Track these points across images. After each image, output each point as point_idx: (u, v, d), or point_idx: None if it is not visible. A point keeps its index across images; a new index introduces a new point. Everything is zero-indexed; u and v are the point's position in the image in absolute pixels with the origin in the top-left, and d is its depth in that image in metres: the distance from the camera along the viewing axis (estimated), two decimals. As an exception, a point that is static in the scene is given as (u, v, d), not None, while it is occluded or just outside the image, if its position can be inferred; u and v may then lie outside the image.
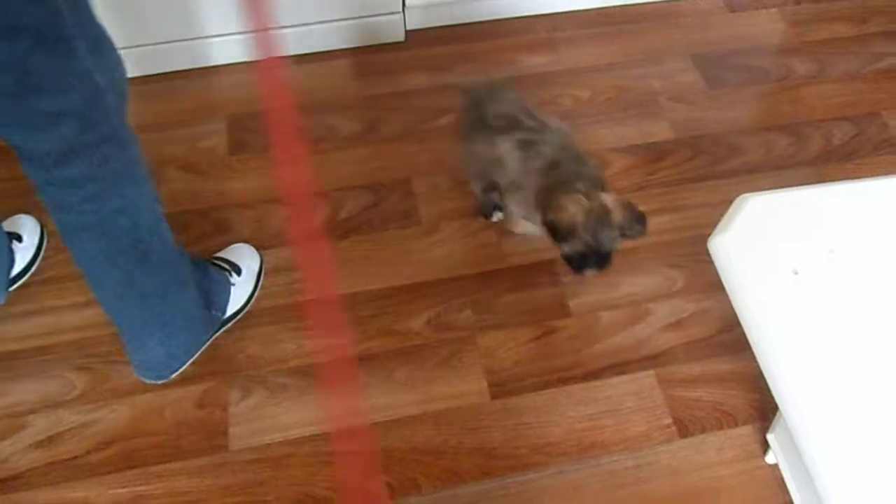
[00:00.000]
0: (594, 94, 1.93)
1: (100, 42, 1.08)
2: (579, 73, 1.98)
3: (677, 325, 1.53)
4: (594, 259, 1.41)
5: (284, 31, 1.93)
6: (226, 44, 1.93)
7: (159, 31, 1.87)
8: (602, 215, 1.37)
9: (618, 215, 1.38)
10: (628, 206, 1.40)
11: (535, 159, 1.46)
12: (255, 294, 1.55)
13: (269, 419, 1.41)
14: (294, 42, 1.97)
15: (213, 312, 1.46)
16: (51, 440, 1.39)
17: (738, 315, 1.03)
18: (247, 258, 1.57)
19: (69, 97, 1.02)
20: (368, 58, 2.00)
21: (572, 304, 1.56)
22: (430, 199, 1.72)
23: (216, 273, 1.49)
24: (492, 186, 1.58)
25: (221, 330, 1.50)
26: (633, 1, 2.14)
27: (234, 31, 1.90)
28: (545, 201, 1.41)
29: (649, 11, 2.14)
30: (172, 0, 1.81)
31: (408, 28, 2.03)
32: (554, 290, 1.58)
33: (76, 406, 1.42)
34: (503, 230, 1.66)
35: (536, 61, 2.01)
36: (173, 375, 1.44)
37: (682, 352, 1.49)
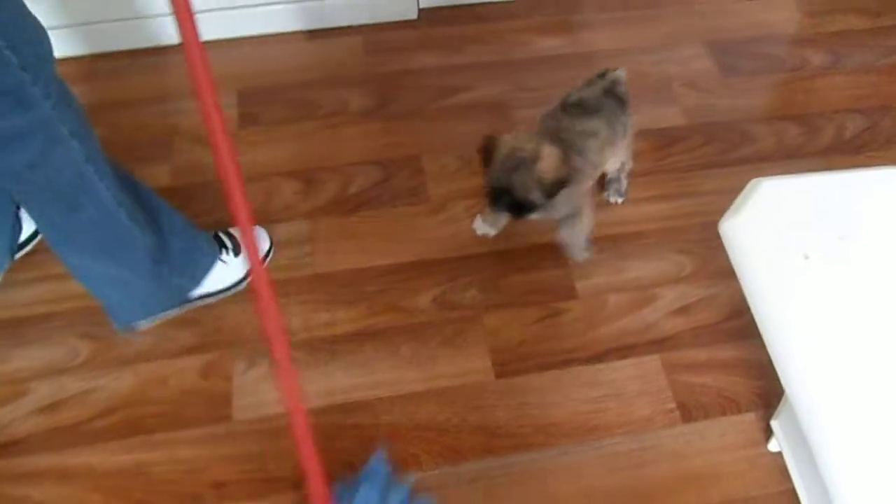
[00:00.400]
0: (607, 77, 1.92)
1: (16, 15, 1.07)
2: (594, 56, 1.97)
3: (684, 310, 1.53)
4: (506, 201, 1.37)
5: (299, 5, 1.93)
6: (238, 17, 1.92)
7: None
8: (527, 159, 1.33)
9: (545, 170, 1.33)
10: (560, 170, 1.35)
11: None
12: (247, 280, 1.53)
13: (273, 391, 1.41)
14: (308, 17, 1.96)
15: (179, 281, 1.44)
16: (54, 406, 1.39)
17: (747, 298, 1.03)
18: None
19: None
20: (380, 35, 1.99)
21: (579, 286, 1.56)
22: (439, 177, 1.71)
23: (206, 246, 1.47)
24: None
25: (200, 303, 1.49)
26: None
27: (247, 4, 1.90)
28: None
29: (660, -2, 2.13)
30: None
31: (421, 6, 2.02)
32: (561, 271, 1.58)
33: (80, 373, 1.43)
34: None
35: (551, 43, 1.99)
36: (140, 327, 1.45)
37: (688, 337, 1.49)
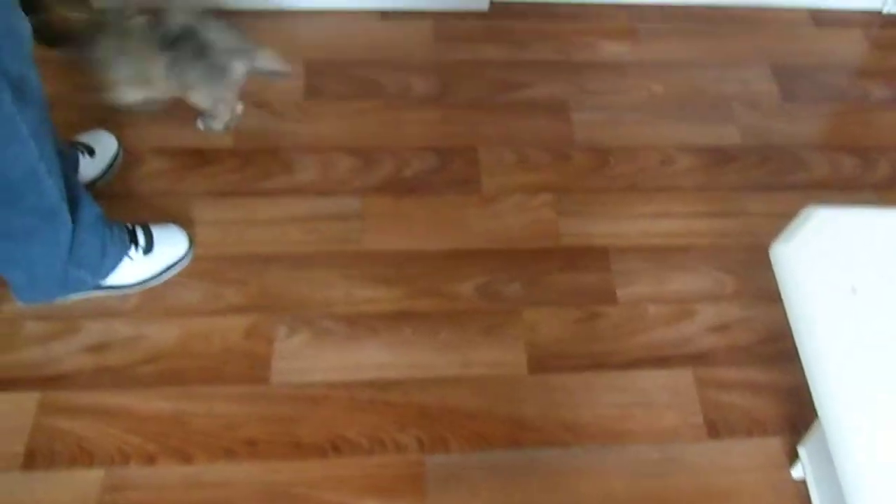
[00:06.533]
0: (668, 89, 1.93)
1: None
2: (656, 66, 1.98)
3: (721, 328, 1.54)
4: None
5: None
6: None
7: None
8: None
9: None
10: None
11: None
12: (161, 278, 1.52)
13: (311, 359, 1.45)
14: (381, -3, 2.00)
15: (79, 273, 1.43)
16: (102, 346, 1.44)
17: (791, 323, 1.04)
18: (168, 242, 1.53)
19: None
20: (451, 23, 2.01)
21: (620, 292, 1.58)
22: (494, 170, 1.74)
23: (114, 245, 1.45)
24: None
25: (100, 293, 1.49)
26: (719, 3, 2.13)
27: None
28: None
29: (734, 15, 2.12)
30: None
31: (493, -1, 2.04)
32: (604, 275, 1.59)
33: (130, 318, 1.47)
34: (561, 210, 1.68)
35: (615, 49, 2.01)
36: (36, 304, 1.47)
37: (723, 355, 1.50)
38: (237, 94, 1.68)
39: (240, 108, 1.74)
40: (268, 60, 1.65)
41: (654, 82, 1.94)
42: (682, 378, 1.47)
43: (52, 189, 1.28)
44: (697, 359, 1.50)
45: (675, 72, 1.97)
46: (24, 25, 1.18)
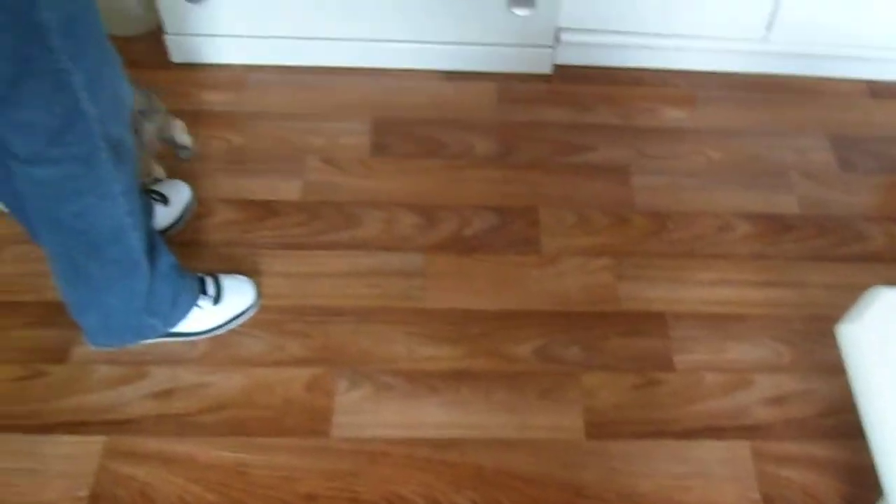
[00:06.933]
0: (726, 156, 1.95)
1: (99, 71, 1.13)
2: (714, 133, 2.00)
3: (779, 400, 1.54)
4: None
5: (441, 46, 2.02)
6: (381, 49, 2.01)
7: (328, 27, 1.97)
8: None
9: None
10: None
11: None
12: (228, 327, 1.55)
13: (371, 414, 1.46)
14: (447, 58, 2.05)
15: (152, 321, 1.47)
16: (167, 393, 1.47)
17: (858, 404, 1.04)
18: (236, 292, 1.56)
19: (46, 116, 1.09)
20: (514, 85, 2.06)
21: (677, 359, 1.58)
22: (554, 231, 1.76)
23: (186, 294, 1.49)
24: None
25: (177, 340, 1.52)
26: (777, 72, 2.15)
27: (392, 38, 1.99)
28: None
29: (792, 85, 2.14)
30: (346, 2, 1.91)
31: (555, 62, 2.08)
32: (662, 342, 1.60)
33: (195, 366, 1.50)
34: (620, 274, 1.69)
35: (674, 114, 2.03)
36: (108, 348, 1.50)
37: (780, 428, 1.50)
38: (153, 156, 1.70)
39: (158, 171, 1.73)
40: (176, 130, 1.68)
41: (712, 149, 1.96)
42: (740, 450, 1.46)
43: (136, 242, 1.33)
44: (755, 431, 1.49)
45: (733, 139, 1.99)
46: (129, 93, 1.24)
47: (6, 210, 1.44)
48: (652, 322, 1.63)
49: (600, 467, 1.43)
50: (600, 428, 1.47)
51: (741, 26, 2.04)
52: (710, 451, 1.46)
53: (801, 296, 1.70)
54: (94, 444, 1.40)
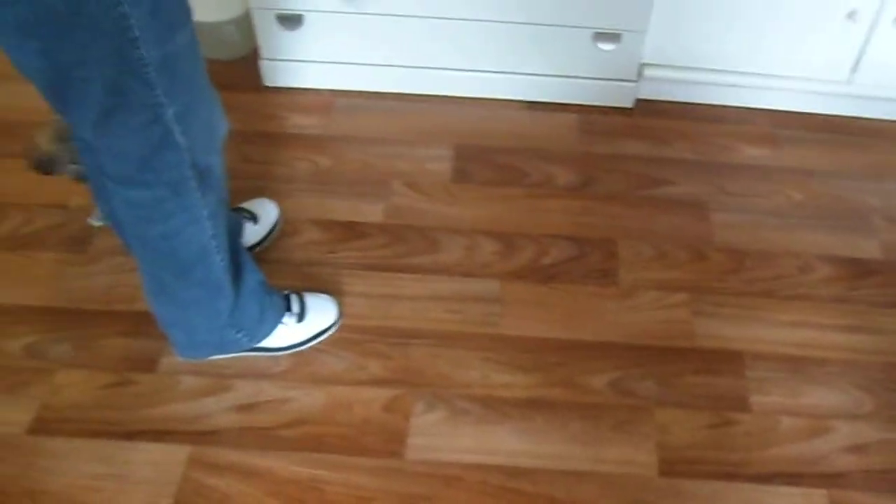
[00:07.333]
0: (807, 197, 1.93)
1: (193, 105, 1.17)
2: (796, 173, 1.99)
3: (859, 449, 1.51)
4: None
5: (524, 77, 2.05)
6: (465, 78, 2.06)
7: (416, 56, 2.02)
8: None
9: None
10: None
11: None
12: (310, 345, 1.59)
13: (446, 438, 1.49)
14: (530, 89, 2.08)
15: (237, 337, 1.50)
16: (251, 407, 1.51)
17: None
18: (320, 310, 1.61)
19: (138, 145, 1.14)
20: (595, 117, 2.07)
21: (753, 400, 1.57)
22: (632, 264, 1.76)
23: (272, 311, 1.53)
24: None
25: (260, 354, 1.56)
26: (861, 115, 2.13)
27: (476, 68, 2.04)
28: None
29: (876, 128, 2.11)
30: (436, 30, 1.95)
31: (638, 97, 2.09)
32: (737, 381, 1.59)
33: (279, 381, 1.54)
34: (697, 310, 1.69)
35: (755, 153, 2.02)
36: (194, 360, 1.55)
37: (859, 479, 1.47)
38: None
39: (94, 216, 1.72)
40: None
41: (793, 189, 1.95)
42: (817, 499, 1.44)
43: (220, 264, 1.38)
44: (832, 479, 1.47)
45: (815, 180, 1.97)
46: (223, 124, 1.30)
47: (108, 223, 1.51)
48: (728, 361, 1.62)
49: (673, 505, 1.43)
50: (673, 465, 1.47)
51: (826, 67, 2.03)
52: (785, 498, 1.44)
53: (881, 342, 1.67)
54: (178, 453, 1.45)
